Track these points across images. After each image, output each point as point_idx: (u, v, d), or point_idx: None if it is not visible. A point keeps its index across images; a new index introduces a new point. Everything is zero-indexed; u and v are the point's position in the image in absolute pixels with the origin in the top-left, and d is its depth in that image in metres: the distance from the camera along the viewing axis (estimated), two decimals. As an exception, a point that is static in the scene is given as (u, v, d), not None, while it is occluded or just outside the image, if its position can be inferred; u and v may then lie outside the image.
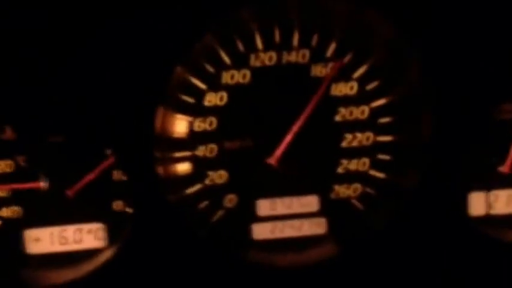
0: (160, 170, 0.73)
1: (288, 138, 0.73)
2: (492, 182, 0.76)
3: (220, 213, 0.76)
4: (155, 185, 0.70)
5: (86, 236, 0.75)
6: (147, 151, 0.69)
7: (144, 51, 0.68)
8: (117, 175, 0.75)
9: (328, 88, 0.74)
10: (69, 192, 0.74)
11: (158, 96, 0.69)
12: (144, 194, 0.70)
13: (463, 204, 0.76)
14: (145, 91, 0.68)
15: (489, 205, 0.77)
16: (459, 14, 0.69)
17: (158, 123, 0.72)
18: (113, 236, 0.75)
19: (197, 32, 0.68)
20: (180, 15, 0.67)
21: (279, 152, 0.72)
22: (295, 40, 0.73)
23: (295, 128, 0.72)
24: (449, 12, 0.69)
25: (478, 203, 0.77)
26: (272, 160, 0.72)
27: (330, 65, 0.74)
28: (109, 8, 0.67)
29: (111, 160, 0.74)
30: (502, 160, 0.76)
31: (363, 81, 0.74)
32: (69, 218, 0.75)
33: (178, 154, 0.75)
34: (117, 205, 0.76)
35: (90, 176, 0.74)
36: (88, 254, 0.75)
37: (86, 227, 0.75)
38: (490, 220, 0.76)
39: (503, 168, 0.74)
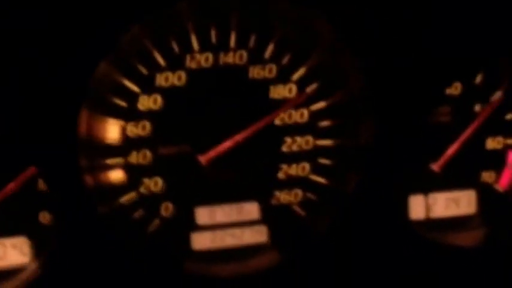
0: (89, 178, 0.68)
1: (228, 144, 0.70)
2: (430, 185, 0.76)
3: (156, 222, 0.72)
4: (82, 195, 0.66)
5: (10, 251, 0.69)
6: (71, 159, 0.64)
7: (64, 47, 0.63)
8: (42, 185, 0.69)
9: (267, 91, 0.72)
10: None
11: (81, 98, 0.64)
12: (70, 205, 0.65)
13: (403, 207, 0.75)
14: (66, 92, 0.63)
15: (428, 208, 0.77)
16: (397, 19, 0.69)
17: (86, 128, 0.68)
18: (39, 251, 0.70)
19: (120, 25, 0.64)
20: (102, 6, 0.63)
21: (213, 153, 0.69)
22: (232, 41, 0.71)
23: (238, 137, 0.69)
24: (388, 17, 0.69)
25: (417, 207, 0.77)
26: (204, 159, 0.69)
27: (268, 66, 0.72)
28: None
29: (32, 169, 0.68)
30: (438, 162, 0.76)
31: (301, 83, 0.73)
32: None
33: (110, 161, 0.71)
34: (44, 217, 0.70)
35: (12, 186, 0.68)
36: (12, 271, 0.69)
37: (10, 241, 0.69)
38: (430, 223, 0.76)
39: (435, 166, 0.74)
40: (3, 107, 0.64)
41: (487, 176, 0.78)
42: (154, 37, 0.69)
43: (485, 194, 0.78)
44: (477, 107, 0.76)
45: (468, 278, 0.75)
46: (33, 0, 0.62)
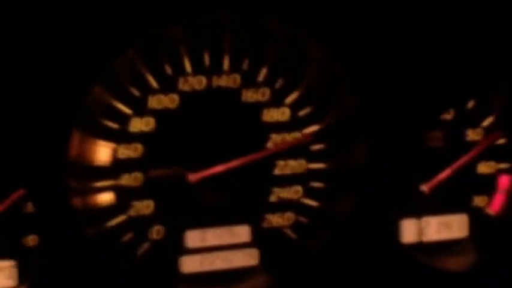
0: (78, 201, 0.67)
1: (219, 168, 0.69)
2: (423, 209, 0.76)
3: (145, 246, 0.72)
4: (70, 218, 0.65)
5: (-4, 276, 0.68)
6: (60, 181, 0.63)
7: (56, 70, 0.62)
8: (30, 207, 0.68)
9: (260, 114, 0.72)
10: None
11: (72, 120, 0.63)
12: (58, 227, 0.64)
13: (395, 231, 0.75)
14: (57, 114, 0.62)
15: (421, 232, 0.76)
16: (391, 43, 0.69)
17: (75, 149, 0.67)
18: (26, 274, 0.68)
19: (114, 50, 0.63)
20: (96, 29, 0.62)
21: (203, 173, 0.68)
22: (226, 64, 0.71)
23: (230, 164, 0.68)
24: (382, 41, 0.69)
25: (409, 230, 0.76)
26: (193, 178, 0.68)
27: (261, 90, 0.72)
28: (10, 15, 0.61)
29: (21, 191, 0.67)
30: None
31: (295, 107, 0.73)
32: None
33: (99, 184, 0.70)
34: (31, 240, 0.69)
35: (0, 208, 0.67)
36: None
37: (-4, 265, 0.68)
38: (422, 247, 0.76)
39: (425, 187, 0.74)
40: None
41: (479, 200, 0.78)
42: (147, 60, 0.68)
43: (477, 218, 0.78)
44: (469, 132, 0.76)
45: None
46: (26, 22, 0.61)
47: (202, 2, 0.65)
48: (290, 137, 0.73)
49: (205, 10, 0.65)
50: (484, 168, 0.77)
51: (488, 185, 0.78)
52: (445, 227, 0.77)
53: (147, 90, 0.69)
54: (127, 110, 0.69)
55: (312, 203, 0.75)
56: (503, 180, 0.78)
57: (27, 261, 0.69)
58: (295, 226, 0.75)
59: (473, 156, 0.75)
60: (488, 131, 0.77)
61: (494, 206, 0.78)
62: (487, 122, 0.77)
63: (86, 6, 0.62)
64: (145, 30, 0.63)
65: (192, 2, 0.64)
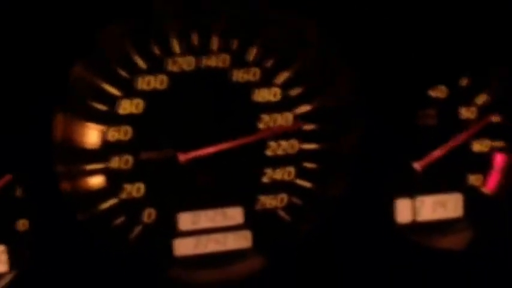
0: (67, 185, 0.67)
1: (210, 150, 0.69)
2: (417, 188, 0.76)
3: (138, 229, 0.71)
4: (60, 202, 0.64)
5: (-14, 260, 0.67)
6: (47, 164, 0.63)
7: (38, 47, 0.61)
8: (20, 192, 0.68)
9: (250, 94, 0.71)
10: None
11: (56, 101, 0.62)
12: (48, 212, 0.64)
13: (390, 211, 0.75)
14: (41, 95, 0.61)
15: (415, 212, 0.76)
16: (385, 22, 0.69)
17: (64, 133, 0.66)
18: (17, 259, 0.68)
19: (97, 24, 0.62)
20: (79, 5, 0.61)
21: (193, 154, 0.68)
22: (215, 44, 0.70)
23: (222, 146, 0.68)
24: (376, 20, 0.68)
25: (404, 210, 0.76)
26: (183, 158, 0.67)
27: (252, 70, 0.71)
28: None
29: (8, 176, 0.66)
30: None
31: (286, 87, 0.72)
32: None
33: (89, 167, 0.69)
34: (22, 224, 0.68)
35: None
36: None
37: (-14, 250, 0.67)
38: (417, 227, 0.76)
39: (417, 165, 0.73)
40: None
41: (474, 179, 0.77)
42: (135, 40, 0.68)
43: (472, 197, 0.77)
44: (463, 110, 0.76)
45: (454, 281, 0.74)
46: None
47: None
48: (281, 117, 0.72)
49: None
50: (479, 146, 0.76)
51: (483, 163, 0.77)
52: (440, 206, 0.77)
53: (136, 71, 0.68)
54: (116, 92, 0.68)
55: (305, 184, 0.74)
56: (498, 159, 0.77)
57: (18, 246, 0.68)
58: (288, 208, 0.74)
59: (468, 136, 0.74)
60: (481, 108, 0.76)
61: (490, 184, 0.77)
62: (480, 99, 0.76)
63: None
64: (120, 8, 0.62)
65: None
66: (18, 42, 0.61)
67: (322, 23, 0.67)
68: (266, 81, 0.71)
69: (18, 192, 0.68)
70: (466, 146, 0.76)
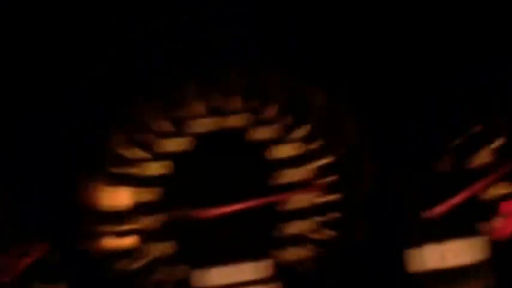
0: (100, 246, 0.69)
1: (239, 207, 0.71)
2: (435, 235, 0.76)
3: (169, 286, 0.73)
4: (94, 264, 0.66)
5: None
6: (82, 231, 0.65)
7: (76, 123, 0.66)
8: (57, 258, 0.71)
9: (271, 150, 0.74)
10: (5, 279, 0.69)
11: (93, 168, 0.66)
12: (83, 275, 0.66)
13: (406, 259, 0.75)
14: (78, 163, 0.65)
15: (438, 258, 0.76)
16: (393, 78, 0.72)
17: (94, 197, 0.69)
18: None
19: (130, 103, 0.66)
20: (113, 86, 0.66)
21: (215, 212, 0.70)
22: (236, 104, 0.73)
23: (250, 203, 0.71)
24: (385, 80, 0.71)
25: (429, 256, 0.76)
26: (203, 215, 0.70)
27: (271, 127, 0.74)
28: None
29: (45, 245, 0.70)
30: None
31: (305, 141, 0.75)
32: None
33: (122, 228, 0.72)
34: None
35: (26, 262, 0.69)
36: None
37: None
38: (436, 274, 0.76)
39: (434, 212, 0.75)
40: (12, 183, 0.66)
41: (490, 225, 0.78)
42: (159, 106, 0.72)
43: (491, 241, 0.78)
44: (478, 155, 0.77)
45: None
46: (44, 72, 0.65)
47: (212, 60, 0.68)
48: (301, 171, 0.75)
49: (215, 66, 0.68)
50: (492, 192, 0.77)
51: (497, 209, 0.78)
52: (458, 253, 0.77)
53: (162, 135, 0.72)
54: (143, 155, 0.72)
55: (328, 233, 0.76)
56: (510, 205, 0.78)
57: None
58: (314, 257, 0.75)
59: (486, 184, 0.76)
60: (497, 153, 0.77)
61: (506, 230, 0.78)
62: (494, 144, 0.78)
63: (102, 57, 0.66)
64: (157, 84, 0.67)
65: (204, 59, 0.67)
66: (59, 118, 0.65)
67: (332, 92, 0.70)
68: (285, 137, 0.74)
69: (55, 259, 0.71)
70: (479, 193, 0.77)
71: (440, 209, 0.74)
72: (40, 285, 0.71)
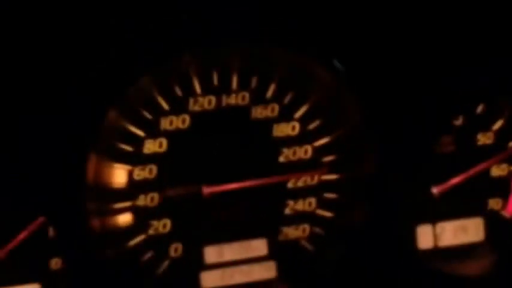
0: (97, 223, 0.69)
1: (234, 186, 0.71)
2: (437, 214, 0.77)
3: (165, 264, 0.73)
4: (90, 241, 0.66)
5: (22, 300, 0.70)
6: (80, 206, 0.66)
7: (73, 98, 0.65)
8: (52, 232, 0.71)
9: (270, 129, 0.73)
10: (0, 253, 0.69)
11: (89, 146, 0.65)
12: (79, 250, 0.67)
13: (411, 237, 0.76)
14: (74, 138, 0.64)
15: (436, 237, 0.77)
16: (397, 56, 0.70)
17: (92, 173, 0.68)
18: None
19: (129, 77, 0.65)
20: (111, 60, 0.64)
21: (217, 188, 0.70)
22: (234, 83, 0.72)
23: (245, 184, 0.70)
24: (387, 57, 0.70)
25: (425, 236, 0.77)
26: (207, 191, 0.69)
27: (270, 106, 0.73)
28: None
29: (42, 218, 0.69)
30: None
31: (304, 120, 0.74)
32: (1, 281, 0.70)
33: (117, 205, 0.72)
34: (56, 263, 0.71)
35: (22, 236, 0.69)
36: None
37: (21, 289, 0.70)
38: (438, 253, 0.77)
39: (436, 191, 0.75)
40: (12, 157, 0.65)
41: (494, 203, 0.78)
42: (158, 83, 0.70)
43: (493, 221, 0.78)
44: (480, 136, 0.77)
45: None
46: (45, 46, 0.63)
47: (213, 37, 0.66)
48: (301, 150, 0.74)
49: (216, 44, 0.66)
50: (497, 171, 0.77)
51: (502, 187, 0.78)
52: (461, 232, 0.78)
53: (159, 112, 0.71)
54: (140, 133, 0.71)
55: (327, 213, 0.76)
56: (517, 183, 0.78)
57: (52, 284, 0.71)
58: (311, 237, 0.76)
59: (489, 164, 0.75)
60: (498, 134, 0.77)
61: (509, 208, 0.78)
62: (497, 125, 0.77)
63: (104, 38, 0.64)
64: (158, 61, 0.65)
65: (204, 36, 0.66)
66: (57, 88, 0.64)
67: (334, 70, 0.69)
68: (285, 116, 0.73)
69: (51, 233, 0.71)
70: (484, 171, 0.77)
71: (441, 188, 0.74)
72: (35, 259, 0.71)
